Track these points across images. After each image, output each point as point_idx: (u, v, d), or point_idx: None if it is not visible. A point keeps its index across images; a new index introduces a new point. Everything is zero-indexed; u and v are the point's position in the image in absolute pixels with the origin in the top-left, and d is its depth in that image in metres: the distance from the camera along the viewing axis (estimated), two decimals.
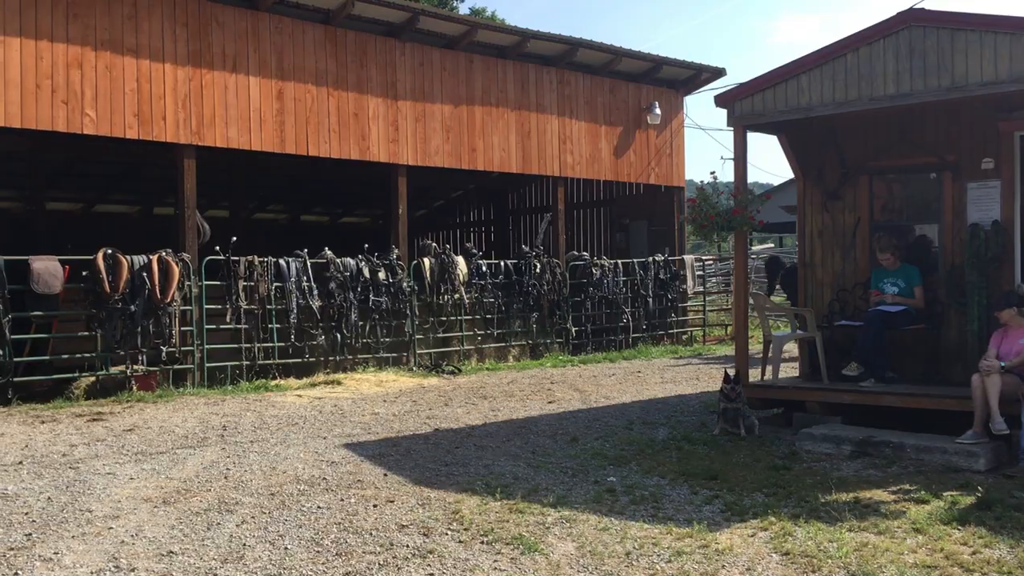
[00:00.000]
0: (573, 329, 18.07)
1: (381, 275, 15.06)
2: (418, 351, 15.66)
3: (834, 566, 5.32)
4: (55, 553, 5.64)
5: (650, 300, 19.39)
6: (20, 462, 8.16)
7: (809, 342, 10.44)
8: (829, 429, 8.71)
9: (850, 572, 5.23)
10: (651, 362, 16.75)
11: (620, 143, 19.92)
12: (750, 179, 10.14)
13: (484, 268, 16.77)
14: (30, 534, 6.02)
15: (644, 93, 20.39)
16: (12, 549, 5.70)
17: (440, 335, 16.09)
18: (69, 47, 12.61)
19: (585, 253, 19.86)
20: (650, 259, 19.64)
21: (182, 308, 12.92)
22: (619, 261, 19.17)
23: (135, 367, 12.40)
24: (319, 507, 6.67)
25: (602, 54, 18.97)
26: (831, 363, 9.90)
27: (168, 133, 13.52)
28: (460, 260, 16.33)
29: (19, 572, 5.31)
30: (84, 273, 12.16)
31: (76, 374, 12.25)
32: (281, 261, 14.05)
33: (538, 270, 17.39)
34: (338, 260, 14.62)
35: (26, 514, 6.48)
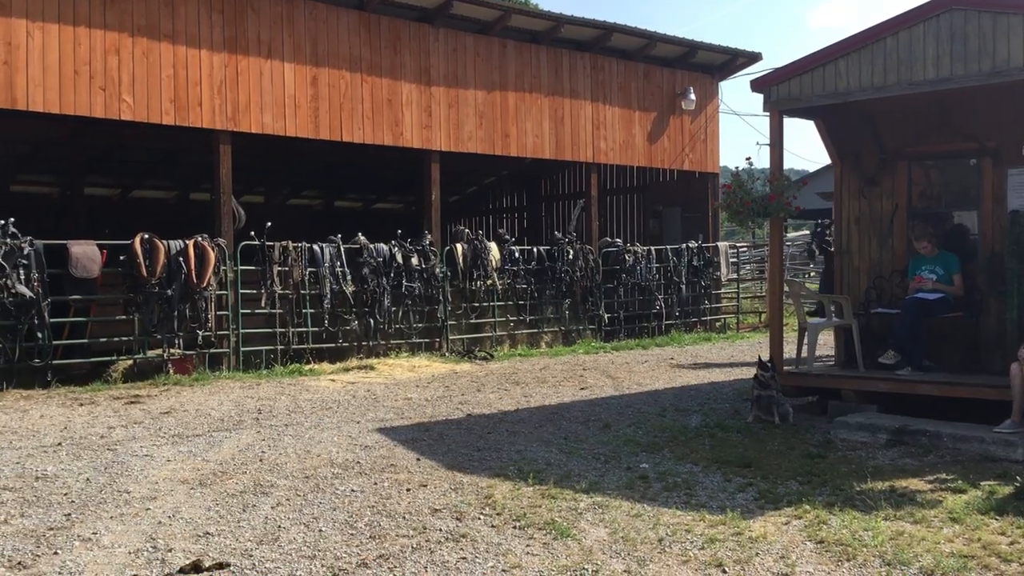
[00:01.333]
0: (606, 316, 18.03)
1: (414, 261, 15.11)
2: (451, 337, 15.70)
3: (869, 555, 5.28)
4: (94, 533, 5.72)
5: (683, 287, 19.31)
6: (59, 443, 8.28)
7: (845, 330, 10.35)
8: (865, 417, 8.63)
9: (885, 561, 5.18)
10: (684, 349, 16.68)
11: (654, 129, 19.81)
12: (786, 165, 10.04)
13: (517, 254, 16.77)
14: (69, 514, 6.11)
15: (679, 78, 20.25)
16: (52, 529, 5.79)
17: (472, 321, 16.12)
18: (107, 33, 12.72)
19: (618, 239, 19.78)
20: (683, 246, 19.54)
21: (218, 292, 13.05)
22: (652, 248, 19.09)
23: (172, 351, 12.53)
24: (353, 490, 6.72)
25: (636, 39, 18.85)
26: (867, 351, 9.81)
27: (204, 119, 13.62)
28: (493, 246, 16.33)
29: (59, 551, 5.39)
30: (122, 257, 12.31)
31: (114, 357, 12.41)
32: (315, 246, 14.13)
33: (571, 256, 17.36)
34: (371, 246, 14.69)
35: (65, 494, 6.58)
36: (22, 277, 11.36)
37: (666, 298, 19.00)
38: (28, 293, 11.33)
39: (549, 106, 17.91)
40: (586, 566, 5.16)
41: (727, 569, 5.12)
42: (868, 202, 10.65)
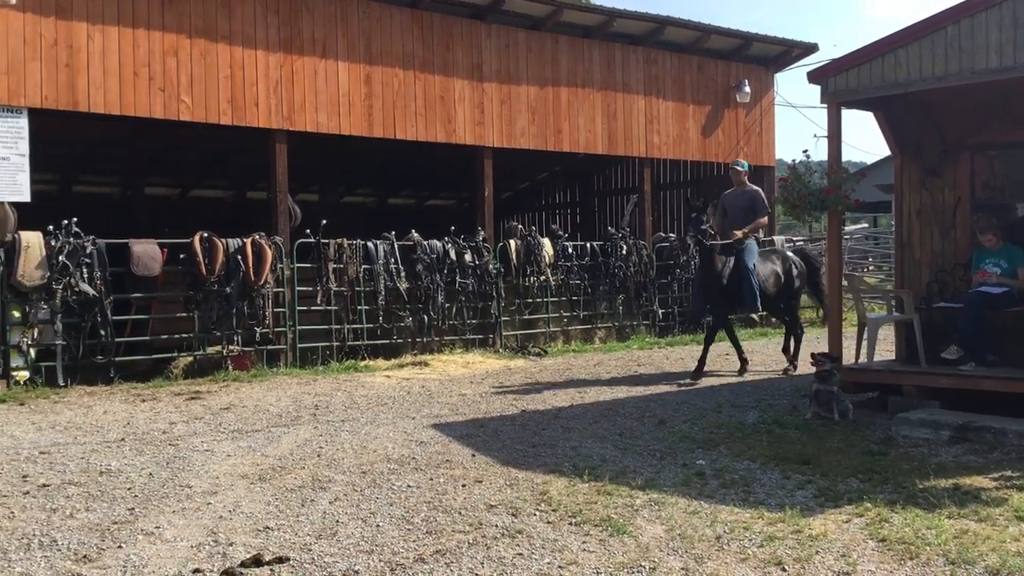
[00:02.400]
0: (660, 311, 17.91)
1: (467, 257, 15.14)
2: (504, 333, 15.71)
3: (932, 553, 5.17)
4: (156, 527, 5.81)
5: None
6: (123, 439, 8.44)
7: (906, 325, 10.16)
8: (927, 414, 8.47)
9: (949, 559, 5.08)
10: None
11: (708, 122, 19.62)
12: (844, 157, 9.87)
13: (570, 250, 16.73)
14: (132, 508, 6.22)
15: (733, 71, 20.03)
16: (116, 523, 5.91)
17: (526, 317, 16.12)
18: (165, 35, 12.94)
19: (672, 234, 19.63)
20: None
21: (275, 290, 13.21)
22: None
23: (231, 347, 12.72)
24: (409, 486, 6.75)
25: (690, 32, 18.68)
26: (929, 346, 9.62)
27: (260, 119, 13.79)
28: (546, 242, 16.31)
29: (122, 545, 5.49)
30: (181, 256, 12.52)
31: (175, 354, 12.63)
32: (369, 244, 14.23)
33: (624, 252, 17.27)
34: (425, 242, 14.75)
35: (128, 489, 6.70)
36: (85, 276, 11.62)
37: None
38: (91, 291, 11.58)
39: (602, 101, 17.83)
40: (643, 563, 5.13)
41: (787, 567, 5.06)
42: (930, 194, 10.44)
